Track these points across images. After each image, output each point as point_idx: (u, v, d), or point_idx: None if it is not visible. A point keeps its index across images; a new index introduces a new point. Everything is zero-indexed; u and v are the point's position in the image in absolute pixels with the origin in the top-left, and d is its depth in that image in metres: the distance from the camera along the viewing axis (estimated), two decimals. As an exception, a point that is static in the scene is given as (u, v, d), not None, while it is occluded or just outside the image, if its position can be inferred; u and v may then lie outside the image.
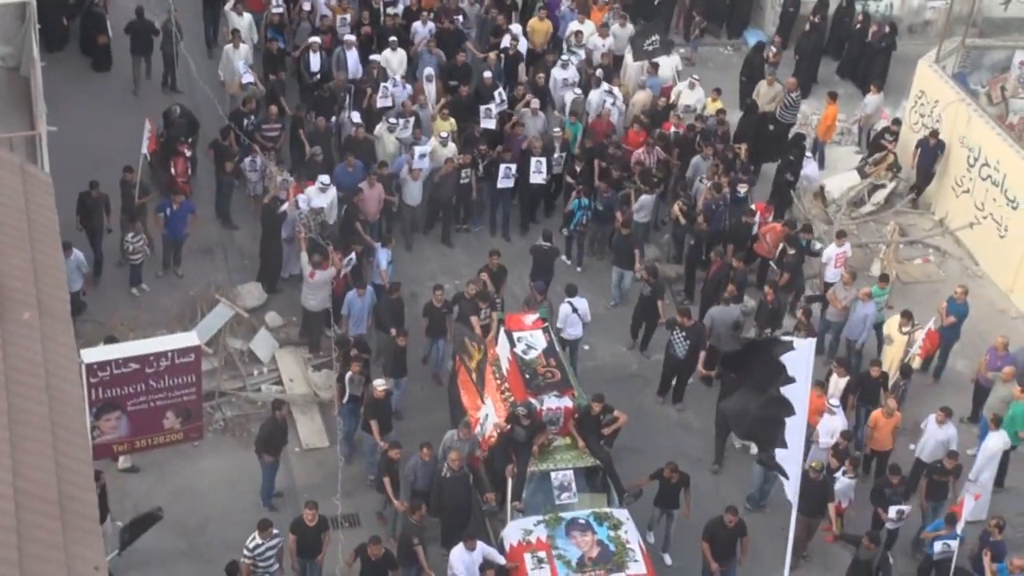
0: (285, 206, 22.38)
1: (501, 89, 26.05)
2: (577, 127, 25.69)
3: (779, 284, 22.36)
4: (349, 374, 19.33)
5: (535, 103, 25.61)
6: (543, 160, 24.35)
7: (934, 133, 25.67)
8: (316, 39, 26.24)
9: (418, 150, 23.97)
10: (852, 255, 24.13)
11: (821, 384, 19.71)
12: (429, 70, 26.19)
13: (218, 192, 24.28)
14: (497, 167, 24.38)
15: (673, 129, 25.60)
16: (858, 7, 30.71)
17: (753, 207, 23.83)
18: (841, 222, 25.49)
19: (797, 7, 30.83)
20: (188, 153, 24.14)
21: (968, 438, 20.49)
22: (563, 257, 23.80)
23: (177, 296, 22.64)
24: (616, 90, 26.38)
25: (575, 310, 21.25)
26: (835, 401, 19.56)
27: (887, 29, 29.73)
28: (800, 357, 14.85)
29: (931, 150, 25.74)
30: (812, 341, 15.35)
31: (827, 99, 27.45)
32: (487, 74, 26.25)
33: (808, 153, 26.51)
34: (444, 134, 24.51)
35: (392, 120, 24.68)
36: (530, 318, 20.46)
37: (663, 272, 23.51)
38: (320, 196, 22.46)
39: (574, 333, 21.46)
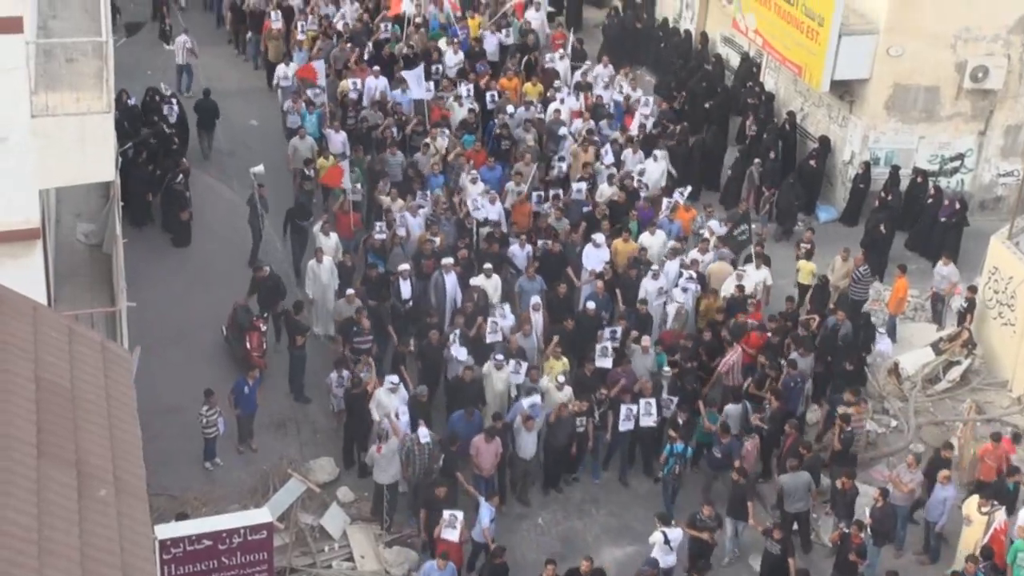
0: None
1: (613, 328, 24.62)
2: (662, 358, 24.05)
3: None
4: None
5: (647, 340, 24.16)
6: (652, 402, 22.86)
7: None
8: (405, 266, 25.44)
9: (526, 401, 22.28)
10: (929, 432, 23.95)
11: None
12: (536, 299, 24.92)
13: (291, 366, 24.51)
14: (616, 410, 22.80)
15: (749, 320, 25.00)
16: (930, 182, 30.79)
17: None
18: (916, 399, 25.23)
19: (868, 183, 30.97)
20: (263, 328, 24.49)
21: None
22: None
23: (250, 470, 22.68)
24: (694, 275, 25.99)
25: (667, 540, 20.25)
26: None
27: (957, 205, 29.76)
28: None
29: None
30: None
31: (897, 272, 27.39)
32: (591, 305, 25.06)
33: (880, 329, 26.38)
34: (561, 377, 22.95)
35: (499, 357, 23.16)
36: None
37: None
38: (390, 397, 22.07)
39: (667, 562, 20.28)
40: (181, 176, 28.40)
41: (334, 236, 26.61)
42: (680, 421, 22.64)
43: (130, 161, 27.69)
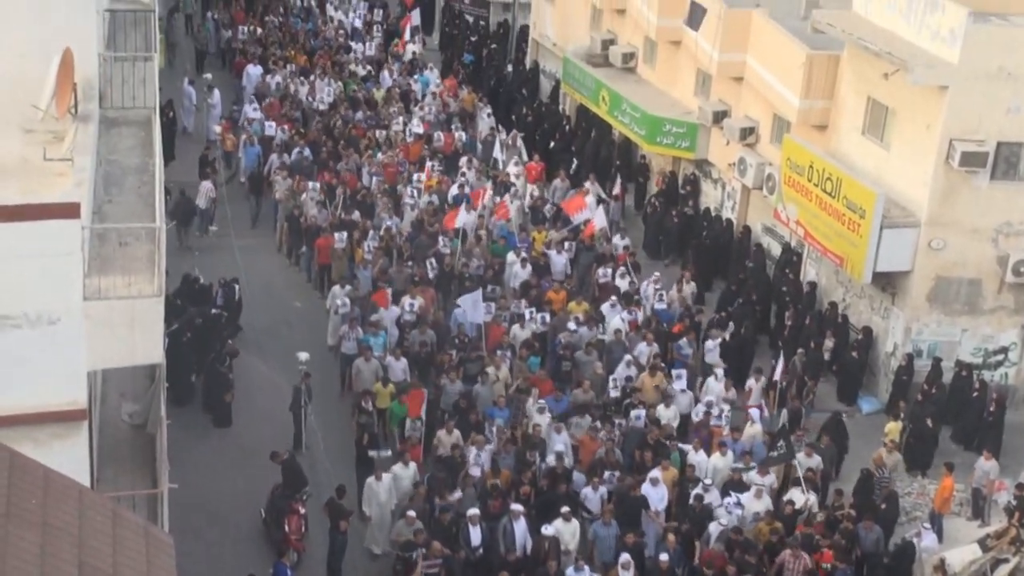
0: None
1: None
2: None
3: None
4: None
5: None
6: None
7: None
8: (475, 511, 23.92)
9: None
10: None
11: None
12: (626, 557, 23.02)
13: (330, 550, 24.25)
14: None
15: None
16: (974, 376, 30.61)
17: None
18: (963, 597, 24.79)
19: (911, 375, 30.79)
20: (302, 511, 24.38)
21: None
22: None
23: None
24: (741, 499, 25.21)
25: None
26: None
27: (993, 398, 29.52)
28: None
29: None
30: None
31: (944, 471, 27.07)
32: (664, 557, 23.33)
33: (926, 524, 26.03)
34: None
35: None
36: None
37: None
38: None
39: None
40: (228, 358, 28.57)
41: (412, 465, 25.44)
42: None
43: (175, 341, 27.90)
